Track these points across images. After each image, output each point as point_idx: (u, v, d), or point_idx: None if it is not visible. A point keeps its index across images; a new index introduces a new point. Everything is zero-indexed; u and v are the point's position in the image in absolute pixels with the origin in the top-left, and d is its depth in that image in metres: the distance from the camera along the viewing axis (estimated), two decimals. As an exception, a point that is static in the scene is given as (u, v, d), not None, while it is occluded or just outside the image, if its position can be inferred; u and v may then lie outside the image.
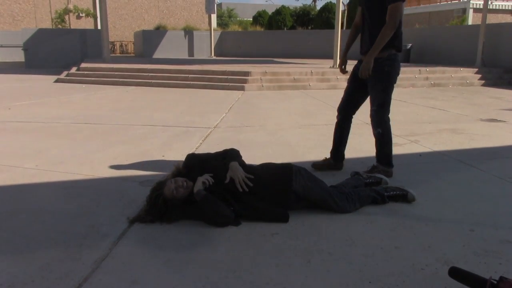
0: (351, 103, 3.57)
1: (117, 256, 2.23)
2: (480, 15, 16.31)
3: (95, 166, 3.96)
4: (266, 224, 2.61)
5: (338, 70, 3.55)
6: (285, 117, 6.56)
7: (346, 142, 3.74)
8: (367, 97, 3.49)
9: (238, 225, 2.59)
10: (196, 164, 2.88)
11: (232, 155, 2.86)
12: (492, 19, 20.14)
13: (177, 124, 6.14)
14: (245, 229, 2.56)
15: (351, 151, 4.52)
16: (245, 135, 5.42)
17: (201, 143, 4.98)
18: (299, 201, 2.74)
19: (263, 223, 2.63)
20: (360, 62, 3.42)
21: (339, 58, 3.53)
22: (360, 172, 3.33)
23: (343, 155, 3.71)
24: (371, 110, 3.38)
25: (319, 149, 3.59)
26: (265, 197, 2.66)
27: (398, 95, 9.97)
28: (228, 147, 3.07)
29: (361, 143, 4.93)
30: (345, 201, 2.80)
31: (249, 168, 2.82)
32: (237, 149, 2.95)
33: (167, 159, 4.23)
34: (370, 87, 3.35)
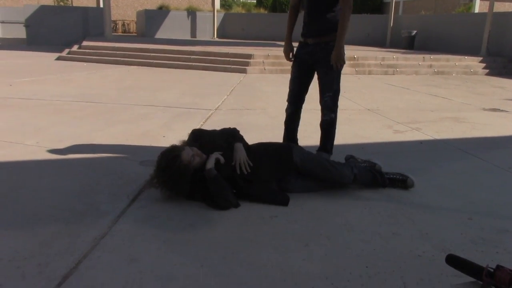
0: (303, 93, 3.51)
1: (116, 234, 2.23)
2: (487, 3, 16.17)
3: (95, 144, 3.96)
4: (266, 207, 2.63)
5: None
6: (287, 101, 6.56)
7: (297, 131, 3.79)
8: (308, 86, 3.47)
9: (237, 206, 2.60)
10: (204, 139, 2.91)
11: (236, 136, 2.92)
12: (499, 7, 19.95)
13: (178, 105, 6.12)
14: (244, 211, 2.57)
15: (351, 137, 4.56)
16: (246, 118, 5.41)
17: (202, 125, 4.97)
18: (298, 176, 2.80)
19: (263, 205, 2.64)
20: (303, 46, 3.33)
21: (284, 45, 3.42)
22: (354, 156, 3.36)
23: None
24: (326, 97, 3.30)
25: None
26: (268, 170, 2.73)
27: (401, 82, 9.96)
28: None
29: (363, 129, 4.92)
30: (343, 167, 2.87)
31: (253, 147, 2.90)
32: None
33: (168, 140, 4.23)
34: (324, 73, 3.27)
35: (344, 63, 3.22)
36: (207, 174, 2.61)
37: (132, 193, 2.81)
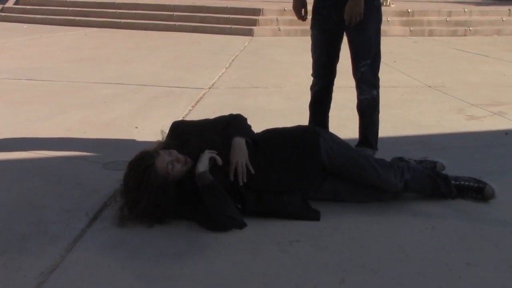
0: (332, 63, 3.56)
1: (71, 266, 2.24)
2: None
3: (41, 140, 3.97)
4: (282, 227, 2.64)
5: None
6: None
7: (328, 116, 3.80)
8: (339, 51, 3.54)
9: (243, 227, 2.61)
10: (189, 135, 2.92)
11: (237, 125, 2.91)
12: None
13: (157, 82, 6.13)
14: (252, 234, 2.58)
15: (405, 126, 4.55)
16: (253, 100, 5.41)
17: (190, 110, 4.96)
18: (324, 176, 2.88)
19: (278, 224, 2.67)
20: (323, 0, 3.37)
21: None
22: (405, 157, 3.32)
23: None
24: (361, 66, 3.35)
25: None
26: (289, 175, 2.81)
27: (476, 46, 9.90)
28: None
29: (421, 114, 4.92)
30: (388, 170, 2.87)
31: (265, 139, 2.92)
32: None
33: (142, 132, 4.25)
34: (355, 32, 3.31)
35: (361, 17, 3.20)
36: (200, 181, 2.62)
37: (93, 209, 2.81)
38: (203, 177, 2.62)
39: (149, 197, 2.55)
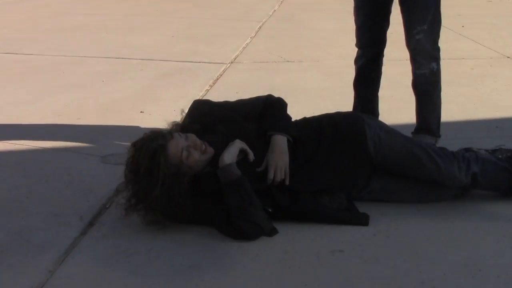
0: (380, 30, 3.57)
1: (62, 284, 2.23)
2: None
3: (24, 128, 4.02)
4: (322, 233, 2.64)
5: None
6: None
7: (377, 97, 3.84)
8: (389, 14, 3.56)
9: (273, 234, 2.61)
10: (214, 119, 2.93)
11: (276, 117, 2.92)
12: None
13: (166, 56, 6.18)
14: (285, 243, 2.57)
15: (477, 107, 4.52)
16: (285, 77, 5.44)
17: (207, 90, 5.00)
18: (371, 172, 2.91)
19: (317, 231, 2.66)
20: None
21: None
22: (473, 148, 3.26)
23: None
24: (417, 33, 3.31)
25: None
26: (334, 173, 2.86)
27: None
28: (255, 95, 3.10)
29: (497, 93, 4.90)
30: (451, 161, 2.84)
31: (301, 130, 2.93)
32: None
33: (148, 118, 4.28)
34: None
35: None
36: (224, 175, 2.61)
37: (89, 212, 2.83)
38: (229, 171, 2.61)
39: (162, 186, 2.53)
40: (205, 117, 2.93)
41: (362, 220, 2.74)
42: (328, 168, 2.83)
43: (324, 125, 2.95)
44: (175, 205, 2.56)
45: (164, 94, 4.91)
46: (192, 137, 2.69)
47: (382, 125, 2.97)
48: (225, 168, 2.62)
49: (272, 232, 2.62)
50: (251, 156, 2.72)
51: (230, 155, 2.65)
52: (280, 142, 2.78)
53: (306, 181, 2.81)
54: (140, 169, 2.56)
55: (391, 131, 2.93)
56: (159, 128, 2.79)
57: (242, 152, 2.72)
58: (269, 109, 2.92)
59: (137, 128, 4.04)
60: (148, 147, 2.56)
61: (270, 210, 2.68)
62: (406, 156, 2.83)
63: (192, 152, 2.63)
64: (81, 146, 3.74)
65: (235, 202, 2.57)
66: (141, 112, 4.45)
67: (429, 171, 2.81)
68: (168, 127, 2.83)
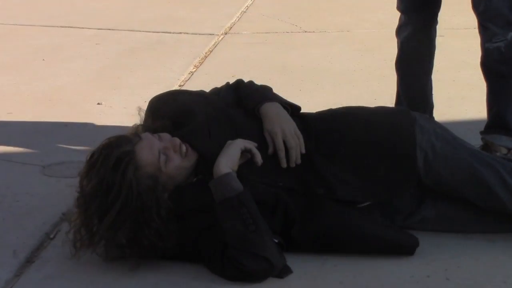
0: None
1: None
2: None
3: None
4: (350, 267, 2.64)
5: None
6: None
7: (430, 82, 3.85)
8: None
9: (286, 275, 2.58)
10: (185, 107, 2.91)
11: (254, 89, 2.95)
12: None
13: (134, 25, 6.29)
14: (308, 280, 2.57)
15: None
16: (301, 54, 5.49)
17: (191, 73, 5.07)
18: (421, 196, 2.88)
19: (343, 266, 2.65)
20: None
21: None
22: None
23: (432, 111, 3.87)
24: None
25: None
26: (359, 175, 2.84)
27: None
28: (259, 78, 3.16)
29: None
30: None
31: (321, 122, 2.94)
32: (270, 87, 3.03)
33: (108, 112, 4.33)
34: None
35: None
36: (218, 189, 2.56)
37: (25, 246, 2.83)
38: (226, 184, 2.53)
39: (126, 212, 2.48)
40: (172, 109, 2.92)
41: (409, 241, 2.71)
42: (358, 174, 2.83)
43: (358, 120, 2.99)
44: (153, 234, 2.50)
45: (130, 79, 4.94)
46: (166, 136, 2.69)
47: (440, 132, 2.93)
48: (221, 180, 2.55)
49: (284, 272, 2.58)
50: (258, 158, 2.67)
51: (228, 160, 2.60)
52: (274, 108, 2.81)
53: (326, 182, 2.78)
54: (96, 189, 2.51)
55: (451, 141, 2.91)
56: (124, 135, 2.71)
57: (244, 155, 2.68)
58: (245, 88, 2.98)
59: (92, 127, 4.07)
60: (108, 156, 2.52)
61: (276, 241, 2.61)
62: (469, 181, 2.81)
63: (171, 155, 2.61)
64: (14, 152, 3.76)
65: (234, 227, 2.50)
66: (98, 104, 4.47)
67: (501, 203, 2.78)
68: (136, 128, 2.82)
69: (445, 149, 2.84)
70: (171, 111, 2.90)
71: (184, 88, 4.71)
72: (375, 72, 4.87)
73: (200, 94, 3.07)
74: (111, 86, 4.81)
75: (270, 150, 2.74)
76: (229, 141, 2.66)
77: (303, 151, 2.73)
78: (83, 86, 4.82)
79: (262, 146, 2.74)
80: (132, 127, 2.83)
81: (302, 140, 2.74)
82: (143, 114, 2.94)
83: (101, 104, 4.48)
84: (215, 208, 2.55)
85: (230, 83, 3.06)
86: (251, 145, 2.68)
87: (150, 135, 2.65)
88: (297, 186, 2.76)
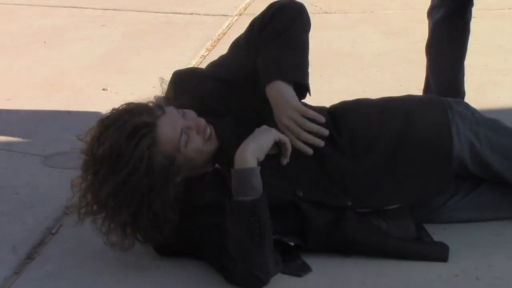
0: None
1: None
2: None
3: None
4: (370, 269, 2.62)
5: None
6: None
7: (463, 67, 3.81)
8: None
9: (304, 273, 2.57)
10: (212, 93, 2.79)
11: (277, 49, 2.70)
12: None
13: (142, 5, 6.26)
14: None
15: None
16: (322, 37, 5.39)
17: (204, 57, 5.08)
18: (458, 182, 2.87)
19: (363, 268, 2.63)
20: None
21: None
22: None
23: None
24: None
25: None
26: (385, 172, 2.80)
27: None
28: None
29: None
30: None
31: (345, 114, 2.89)
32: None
33: (114, 98, 4.26)
34: None
35: None
36: (238, 185, 2.46)
37: (26, 242, 2.83)
38: (247, 181, 2.45)
39: (131, 185, 2.42)
40: (197, 93, 2.81)
41: (440, 253, 2.67)
42: (391, 175, 2.81)
43: (389, 113, 2.94)
44: (151, 218, 2.46)
45: (137, 63, 4.93)
46: (192, 114, 2.61)
47: (479, 117, 2.90)
48: (244, 174, 2.46)
49: (304, 270, 2.58)
50: (285, 157, 2.61)
51: (257, 149, 2.50)
52: (279, 88, 2.61)
53: (354, 190, 2.75)
54: (109, 153, 2.43)
55: (493, 126, 2.91)
56: (137, 102, 2.60)
57: (275, 147, 2.58)
58: (266, 36, 2.74)
59: (97, 114, 3.84)
60: (125, 123, 2.45)
61: (292, 244, 2.63)
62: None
63: (192, 136, 2.55)
64: (14, 141, 3.77)
65: (237, 233, 2.46)
66: (103, 89, 4.47)
67: None
68: (155, 100, 2.68)
69: (489, 135, 2.84)
70: (195, 93, 2.81)
71: None
72: (401, 56, 4.86)
73: (226, 71, 2.84)
74: (117, 71, 4.82)
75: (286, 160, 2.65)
76: (264, 126, 2.58)
77: (325, 133, 2.61)
78: (87, 71, 4.81)
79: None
80: (154, 97, 2.71)
81: (315, 114, 2.62)
82: (165, 86, 2.85)
83: (106, 90, 4.49)
84: (226, 205, 2.47)
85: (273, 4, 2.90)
86: (286, 139, 2.58)
87: (175, 110, 2.57)
88: (319, 198, 2.69)
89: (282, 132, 2.60)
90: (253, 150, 2.48)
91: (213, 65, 2.93)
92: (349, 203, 2.71)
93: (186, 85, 2.86)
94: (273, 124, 2.64)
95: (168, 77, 2.92)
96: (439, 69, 3.70)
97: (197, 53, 5.11)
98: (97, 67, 4.90)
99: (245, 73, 2.75)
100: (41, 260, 2.73)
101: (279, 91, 2.60)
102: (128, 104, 2.56)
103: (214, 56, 4.86)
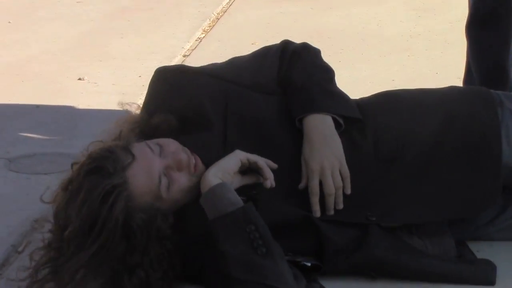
0: None
1: None
2: None
3: None
4: (401, 286, 2.61)
5: None
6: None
7: (509, 50, 3.80)
8: None
9: None
10: (201, 98, 2.78)
11: (310, 85, 2.78)
12: None
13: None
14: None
15: None
16: (339, 15, 5.49)
17: (199, 40, 5.11)
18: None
19: (393, 281, 2.63)
20: None
21: None
22: None
23: None
24: None
25: None
26: (423, 182, 2.77)
27: None
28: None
29: None
30: None
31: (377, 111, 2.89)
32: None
33: (91, 89, 4.33)
34: None
35: None
36: (209, 205, 2.46)
37: None
38: (221, 197, 2.45)
39: (105, 256, 2.40)
40: (183, 99, 2.82)
41: (486, 275, 2.64)
42: (421, 186, 2.77)
43: (423, 110, 2.92)
44: (136, 284, 2.44)
45: (120, 47, 4.95)
46: (171, 146, 2.60)
47: None
48: (214, 192, 2.47)
49: None
50: (268, 177, 2.56)
51: (218, 170, 2.53)
52: (320, 124, 2.69)
53: (379, 204, 2.73)
54: (77, 231, 2.39)
55: None
56: (106, 140, 2.59)
57: (255, 174, 2.60)
58: (291, 70, 2.83)
59: (71, 110, 4.07)
60: (94, 188, 2.40)
61: (309, 265, 2.60)
62: None
63: (174, 177, 2.54)
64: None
65: (237, 250, 2.44)
66: (79, 79, 4.47)
67: None
68: (119, 124, 2.70)
69: None
70: (180, 100, 2.82)
71: (190, 59, 4.68)
72: (437, 38, 4.86)
73: (224, 75, 2.89)
74: (96, 57, 4.83)
75: (302, 184, 2.67)
76: (230, 154, 2.60)
77: (348, 191, 2.64)
78: (60, 57, 4.84)
79: (295, 166, 2.71)
80: (121, 119, 2.75)
81: (348, 181, 2.64)
82: (128, 108, 2.86)
83: (83, 79, 4.48)
84: (209, 227, 2.45)
85: (288, 44, 2.92)
86: (256, 158, 2.59)
87: (148, 150, 2.53)
88: (337, 216, 2.67)
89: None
90: (213, 172, 2.52)
91: (219, 68, 2.97)
92: (373, 219, 2.69)
93: (169, 91, 2.87)
94: (274, 131, 2.75)
95: (157, 64, 2.92)
96: (482, 53, 3.71)
97: (192, 35, 5.12)
98: (72, 52, 4.91)
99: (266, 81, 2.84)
100: (6, 283, 2.71)
101: (327, 126, 2.70)
102: (89, 156, 2.51)
103: (213, 38, 4.95)
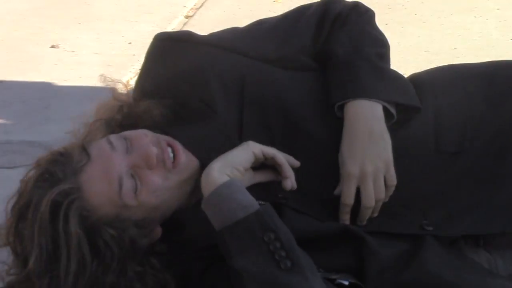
0: None
1: None
2: None
3: None
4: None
5: None
6: None
7: None
8: None
9: None
10: (208, 75, 2.56)
11: (359, 58, 2.54)
12: None
13: None
14: None
15: None
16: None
17: (196, 10, 4.84)
18: None
19: None
20: None
21: None
22: None
23: None
24: None
25: None
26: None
27: None
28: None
29: None
30: None
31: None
32: None
33: (68, 58, 4.12)
34: None
35: None
36: (213, 211, 2.31)
37: None
38: (229, 198, 2.30)
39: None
40: (186, 78, 2.58)
41: None
42: (492, 186, 2.58)
43: (498, 88, 2.70)
44: None
45: (104, 7, 4.74)
46: (142, 140, 2.38)
47: None
48: (220, 194, 2.32)
49: None
50: (287, 177, 2.37)
51: (224, 165, 2.38)
52: (365, 114, 2.52)
53: (438, 209, 2.54)
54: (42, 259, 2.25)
55: None
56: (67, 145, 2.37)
57: (274, 172, 2.41)
58: (332, 39, 2.59)
59: (43, 86, 3.87)
60: (39, 202, 2.25)
61: (347, 283, 2.41)
62: None
63: (145, 177, 2.35)
64: None
65: (255, 266, 2.29)
66: (52, 46, 4.26)
67: None
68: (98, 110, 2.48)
69: None
70: (187, 78, 2.58)
71: (194, 21, 4.53)
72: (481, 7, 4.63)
73: (245, 51, 2.60)
74: (73, 19, 4.63)
75: (337, 190, 2.43)
76: (243, 143, 2.43)
77: (386, 199, 2.45)
78: (29, 19, 4.63)
79: (330, 166, 2.50)
80: (101, 104, 2.49)
81: (392, 190, 2.45)
82: (110, 82, 2.57)
83: (57, 47, 4.28)
84: (217, 240, 2.30)
85: (334, 3, 2.61)
86: (273, 151, 2.40)
87: (107, 147, 2.33)
88: (385, 227, 2.49)
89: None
90: (218, 167, 2.35)
91: (236, 34, 2.70)
92: (430, 229, 2.51)
93: (191, 59, 2.62)
94: (300, 117, 2.51)
95: (151, 29, 2.73)
96: None
97: (182, 7, 4.86)
98: (44, 12, 4.70)
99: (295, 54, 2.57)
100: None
101: (376, 118, 2.56)
102: (38, 161, 2.33)
103: (209, 9, 4.65)
